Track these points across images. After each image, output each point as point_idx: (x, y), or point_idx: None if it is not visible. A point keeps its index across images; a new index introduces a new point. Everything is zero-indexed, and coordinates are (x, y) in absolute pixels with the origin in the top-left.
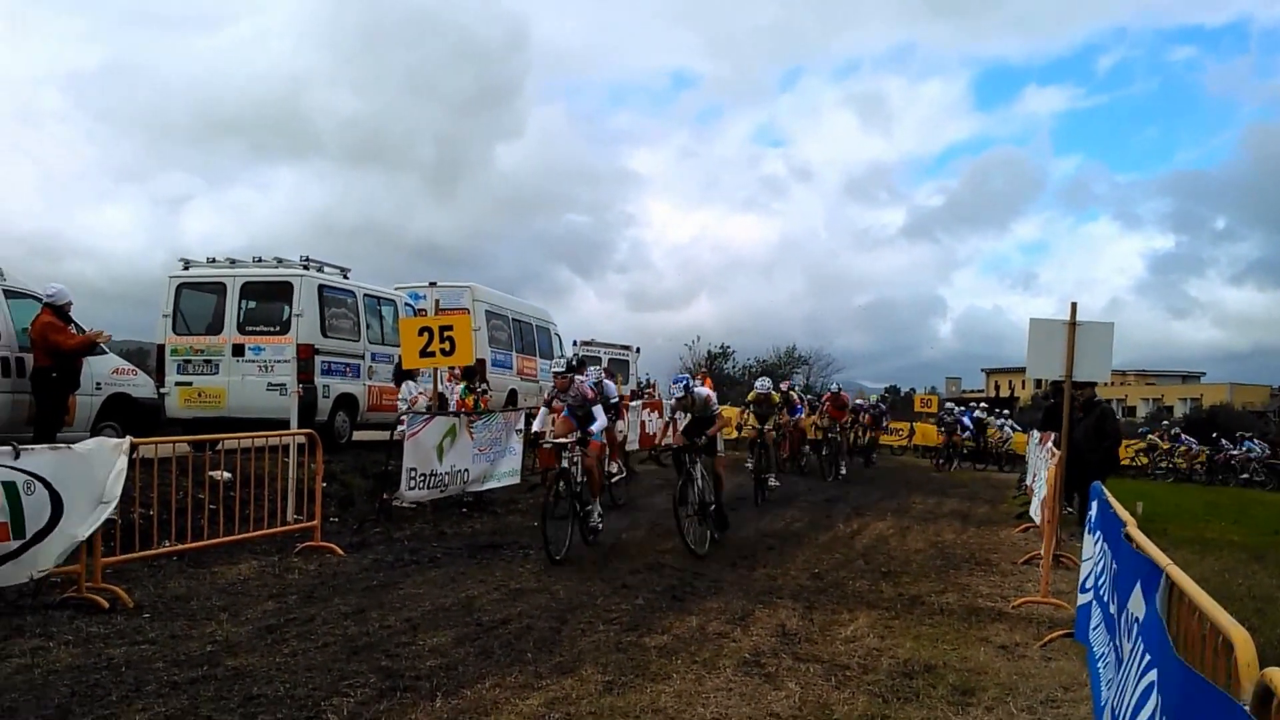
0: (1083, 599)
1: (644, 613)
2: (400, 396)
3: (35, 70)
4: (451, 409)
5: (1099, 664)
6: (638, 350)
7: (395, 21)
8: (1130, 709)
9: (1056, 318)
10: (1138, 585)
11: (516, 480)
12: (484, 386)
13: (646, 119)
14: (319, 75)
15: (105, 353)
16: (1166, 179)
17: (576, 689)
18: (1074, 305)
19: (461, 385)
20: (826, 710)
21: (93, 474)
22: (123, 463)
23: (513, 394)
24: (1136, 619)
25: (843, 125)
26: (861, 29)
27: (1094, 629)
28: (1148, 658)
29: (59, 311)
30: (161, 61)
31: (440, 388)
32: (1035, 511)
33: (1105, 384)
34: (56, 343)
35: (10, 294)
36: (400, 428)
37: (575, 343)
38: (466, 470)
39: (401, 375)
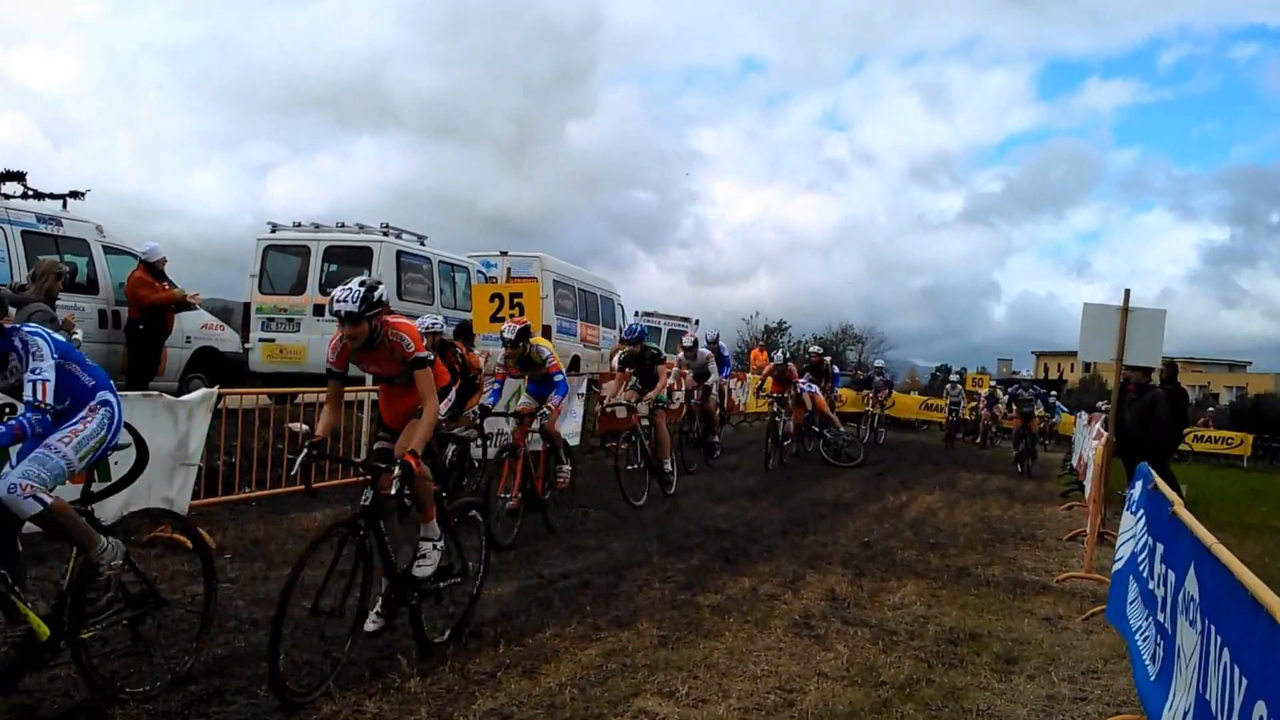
0: (1117, 576)
1: (698, 573)
2: None
3: (136, 41)
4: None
5: (1138, 638)
6: (697, 322)
7: (475, 2)
8: (1219, 684)
9: (1110, 304)
10: (1180, 563)
11: (575, 442)
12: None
13: (714, 101)
14: (400, 52)
15: (196, 309)
16: (1224, 173)
17: (632, 642)
18: (1127, 292)
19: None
20: (873, 672)
21: (179, 424)
22: (204, 423)
23: (576, 360)
24: (1193, 598)
25: (906, 112)
26: (928, 20)
27: (1130, 603)
28: (1215, 631)
29: (152, 268)
30: (252, 36)
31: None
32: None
33: (1157, 370)
34: (142, 296)
35: (109, 250)
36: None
37: (637, 313)
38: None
39: (459, 338)
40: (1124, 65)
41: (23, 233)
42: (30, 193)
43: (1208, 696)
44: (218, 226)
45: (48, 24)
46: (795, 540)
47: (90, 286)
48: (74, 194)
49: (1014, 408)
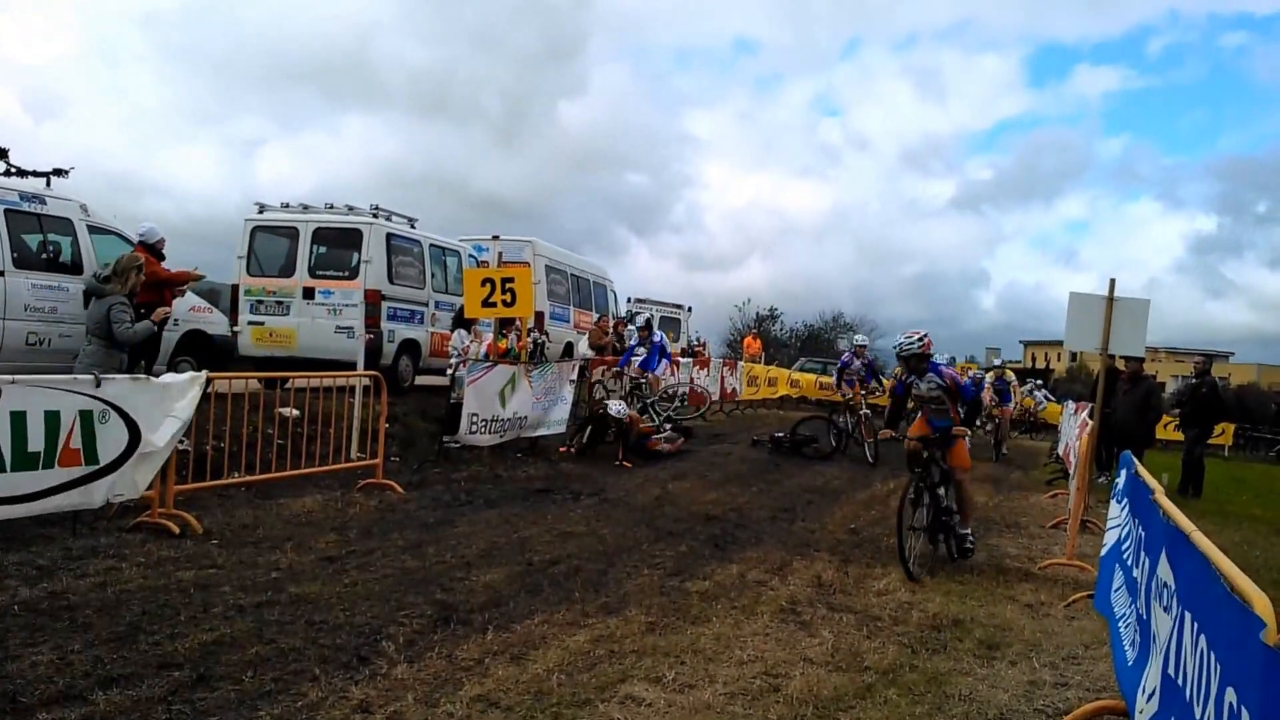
0: (1104, 563)
1: (687, 559)
2: (452, 344)
3: (115, 11)
4: (482, 354)
5: (1119, 624)
6: (689, 309)
7: None
8: (1194, 669)
9: (1096, 293)
10: (1160, 550)
11: (564, 429)
12: (543, 338)
13: (707, 82)
14: (389, 27)
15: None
16: (1212, 162)
17: (621, 628)
18: (1112, 281)
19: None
20: (858, 658)
21: (169, 405)
22: (196, 390)
23: (569, 346)
24: (1166, 584)
25: (898, 96)
26: (920, 3)
27: (1115, 590)
28: (1191, 618)
29: (151, 249)
30: (238, 8)
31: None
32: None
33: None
34: (154, 274)
35: (93, 230)
36: (452, 373)
37: (630, 300)
38: (525, 417)
39: (457, 323)
40: (1113, 51)
41: (5, 211)
42: (13, 170)
43: (1183, 682)
44: (204, 204)
45: None
46: (784, 527)
47: (74, 267)
48: (58, 172)
49: None
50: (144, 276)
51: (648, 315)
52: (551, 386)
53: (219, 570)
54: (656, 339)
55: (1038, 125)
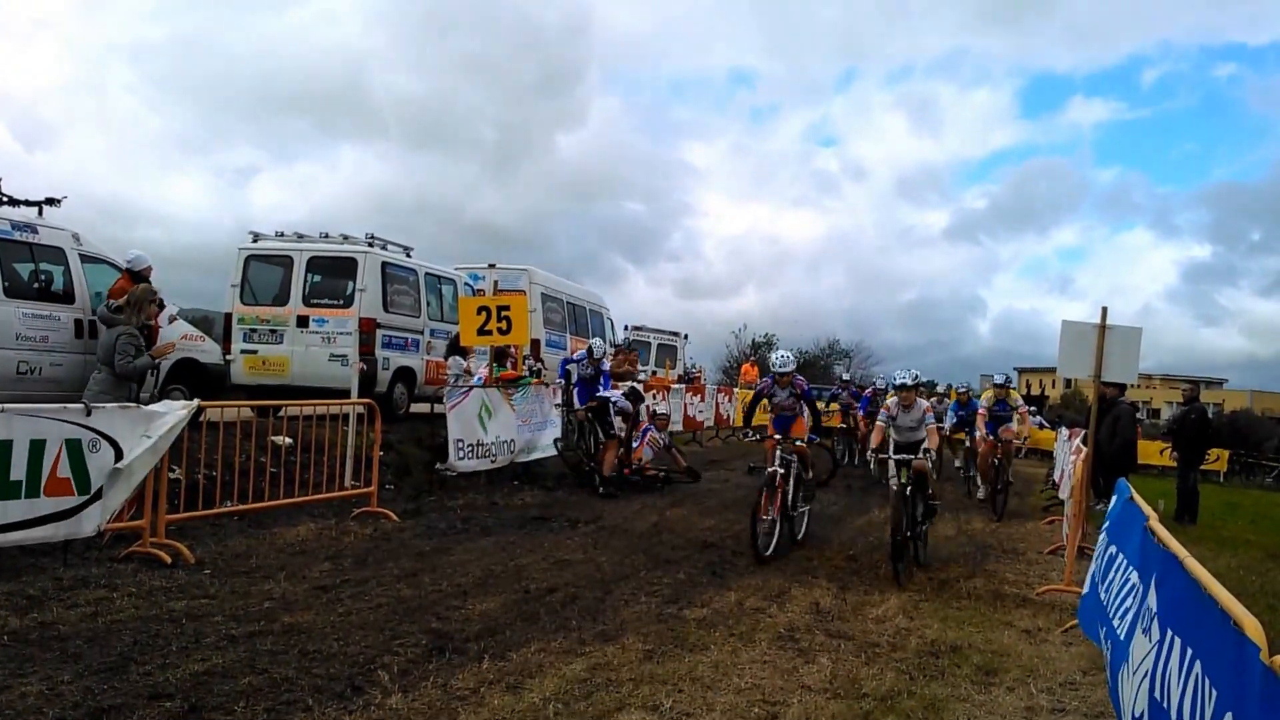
0: (1091, 586)
1: (685, 587)
2: (450, 370)
3: (103, 42)
4: (477, 382)
5: (1111, 647)
6: (686, 337)
7: (459, 6)
8: (1185, 694)
9: (1088, 321)
10: (1154, 576)
11: (552, 452)
12: (539, 365)
13: (704, 113)
14: (383, 57)
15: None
16: (1205, 191)
17: (618, 656)
18: (1104, 309)
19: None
20: (856, 685)
21: (153, 430)
22: (180, 416)
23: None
24: (1164, 610)
25: (892, 127)
26: (914, 35)
27: (1104, 613)
28: (1177, 640)
29: (137, 277)
30: (230, 37)
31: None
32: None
33: (1133, 386)
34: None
35: (85, 259)
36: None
37: (626, 327)
38: (512, 441)
39: (451, 350)
40: (1106, 82)
41: None
42: (4, 199)
43: (1179, 708)
44: (196, 233)
45: (12, 22)
46: (781, 554)
47: (65, 296)
48: (50, 201)
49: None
50: (157, 308)
51: (600, 343)
52: (534, 409)
53: (211, 600)
54: (605, 366)
55: (1031, 155)
